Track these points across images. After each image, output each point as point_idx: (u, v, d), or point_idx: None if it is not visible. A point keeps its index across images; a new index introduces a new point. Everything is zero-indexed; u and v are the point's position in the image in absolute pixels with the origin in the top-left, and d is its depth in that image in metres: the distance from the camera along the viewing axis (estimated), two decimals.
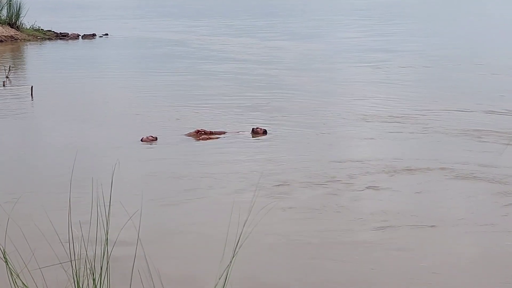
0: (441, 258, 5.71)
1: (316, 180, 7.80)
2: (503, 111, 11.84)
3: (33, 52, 26.12)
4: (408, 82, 15.39)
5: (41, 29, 31.68)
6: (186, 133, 10.31)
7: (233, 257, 3.68)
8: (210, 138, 10.02)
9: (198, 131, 10.27)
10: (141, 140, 9.86)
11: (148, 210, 6.56)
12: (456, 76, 16.50)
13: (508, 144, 9.11)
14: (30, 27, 31.19)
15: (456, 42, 24.77)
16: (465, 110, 11.93)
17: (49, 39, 30.60)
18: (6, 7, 29.87)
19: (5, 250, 3.63)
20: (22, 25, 30.68)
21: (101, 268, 3.70)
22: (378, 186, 7.58)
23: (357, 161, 8.56)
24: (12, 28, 29.91)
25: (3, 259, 3.56)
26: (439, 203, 7.13)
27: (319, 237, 6.12)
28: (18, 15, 30.28)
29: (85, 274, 3.73)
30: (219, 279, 3.72)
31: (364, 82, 15.50)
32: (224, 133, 10.35)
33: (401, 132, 10.28)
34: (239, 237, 3.76)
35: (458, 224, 6.50)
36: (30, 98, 14.06)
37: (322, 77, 16.43)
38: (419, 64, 18.65)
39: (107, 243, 3.66)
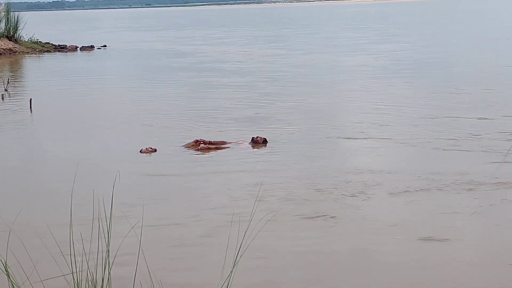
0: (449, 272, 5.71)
1: (316, 190, 7.80)
2: None
3: (31, 64, 26.18)
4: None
5: (39, 42, 31.78)
6: (185, 143, 10.31)
7: (233, 267, 3.70)
8: (209, 149, 10.01)
9: (197, 141, 10.25)
10: (140, 152, 9.87)
11: (149, 221, 6.57)
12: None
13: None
14: (28, 39, 31.29)
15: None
16: None
17: (48, 51, 30.69)
18: (4, 20, 29.98)
19: (7, 263, 3.64)
20: (21, 37, 30.79)
21: (103, 280, 3.72)
22: (375, 195, 7.57)
23: (360, 171, 8.53)
24: (10, 41, 30.00)
25: (5, 272, 3.57)
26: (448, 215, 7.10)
27: (320, 248, 6.12)
28: (16, 28, 30.40)
29: (86, 286, 3.74)
30: None
31: (389, 103, 13.76)
32: (224, 143, 10.33)
33: (415, 147, 9.88)
34: (239, 248, 3.78)
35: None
36: (29, 110, 14.09)
37: (346, 96, 15.28)
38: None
39: (108, 255, 3.67)
